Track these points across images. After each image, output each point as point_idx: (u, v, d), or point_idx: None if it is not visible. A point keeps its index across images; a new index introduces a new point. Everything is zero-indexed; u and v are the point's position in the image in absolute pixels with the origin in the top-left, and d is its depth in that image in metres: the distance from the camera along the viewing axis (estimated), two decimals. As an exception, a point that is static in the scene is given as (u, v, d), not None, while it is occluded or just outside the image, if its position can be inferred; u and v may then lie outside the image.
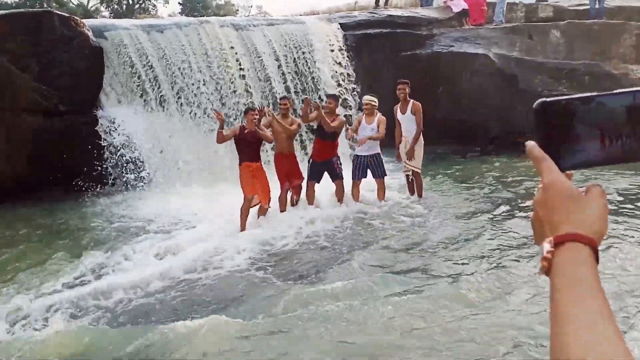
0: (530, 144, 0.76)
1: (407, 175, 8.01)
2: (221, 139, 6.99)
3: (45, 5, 28.91)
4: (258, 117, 7.00)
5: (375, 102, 7.65)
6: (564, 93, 10.93)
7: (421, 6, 14.95)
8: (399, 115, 7.81)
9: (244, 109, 8.03)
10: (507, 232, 6.34)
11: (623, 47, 11.15)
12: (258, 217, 7.21)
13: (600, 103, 0.73)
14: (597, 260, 0.69)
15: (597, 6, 12.74)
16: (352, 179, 7.78)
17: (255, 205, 7.19)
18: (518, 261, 5.39)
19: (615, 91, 0.73)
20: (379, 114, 7.62)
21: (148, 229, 7.36)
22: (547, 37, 11.81)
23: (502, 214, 7.08)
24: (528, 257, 5.47)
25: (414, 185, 7.99)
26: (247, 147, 7.03)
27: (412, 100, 7.71)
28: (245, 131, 7.00)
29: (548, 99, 0.74)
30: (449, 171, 9.86)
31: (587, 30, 11.59)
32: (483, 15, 13.73)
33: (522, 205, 7.44)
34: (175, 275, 5.61)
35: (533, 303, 4.39)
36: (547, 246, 0.71)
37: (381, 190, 7.81)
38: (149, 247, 6.49)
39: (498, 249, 5.83)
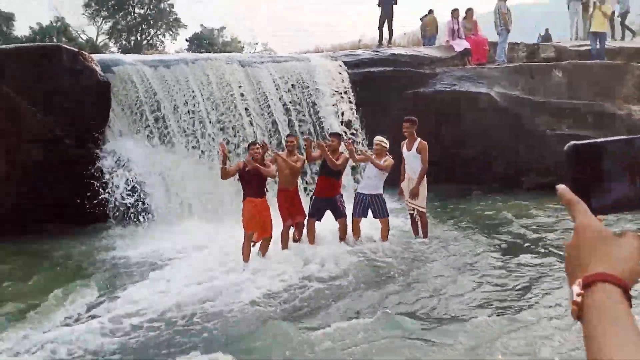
0: (562, 187, 0.77)
1: (412, 215, 7.96)
2: (225, 174, 6.98)
3: (54, 40, 29.48)
4: (261, 151, 7.04)
5: (386, 143, 7.67)
6: (567, 132, 11.00)
7: (424, 45, 15.18)
8: (404, 151, 7.83)
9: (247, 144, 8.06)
10: (513, 274, 6.25)
11: (625, 87, 11.25)
12: (261, 254, 7.13)
13: (630, 145, 0.74)
14: (629, 301, 0.67)
15: (598, 47, 12.92)
16: (352, 216, 7.74)
17: (257, 241, 7.14)
18: (523, 308, 5.30)
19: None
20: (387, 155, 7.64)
21: (148, 264, 7.30)
22: (549, 77, 11.93)
23: (508, 256, 7.00)
24: (532, 302, 5.38)
25: (418, 225, 7.94)
26: (251, 182, 7.00)
27: (419, 139, 7.72)
28: (248, 167, 7.00)
29: (580, 142, 0.77)
30: (453, 210, 9.83)
31: (588, 70, 11.72)
32: (485, 55, 13.93)
33: (526, 246, 7.37)
34: (174, 312, 5.51)
35: (536, 350, 4.28)
36: (576, 289, 0.69)
37: (385, 229, 7.75)
38: (148, 283, 6.41)
39: (502, 292, 5.73)
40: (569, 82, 11.70)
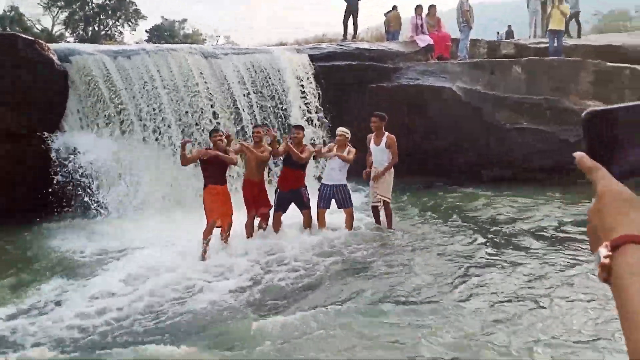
0: (580, 154, 0.75)
1: (375, 206, 8.00)
2: (185, 161, 6.89)
3: (8, 30, 28.36)
4: (225, 140, 7.01)
5: (348, 134, 7.75)
6: (526, 127, 11.27)
7: (387, 40, 15.28)
8: (372, 145, 7.88)
9: (209, 131, 7.90)
10: (473, 259, 6.37)
11: (581, 83, 11.60)
12: (224, 241, 7.05)
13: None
14: None
15: (555, 44, 13.29)
16: (317, 207, 7.74)
17: (218, 227, 7.05)
18: (482, 292, 5.41)
19: None
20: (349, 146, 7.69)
21: (107, 256, 7.10)
22: (509, 72, 12.20)
23: (470, 243, 7.13)
24: (490, 284, 5.49)
25: (379, 215, 8.00)
26: (212, 169, 6.95)
27: (387, 133, 7.79)
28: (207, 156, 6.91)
29: (596, 109, 0.74)
30: (416, 201, 9.94)
31: (547, 66, 12.03)
32: (447, 51, 14.13)
33: (485, 234, 7.52)
34: (135, 305, 5.37)
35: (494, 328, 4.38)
36: (603, 251, 0.67)
37: (349, 219, 7.77)
38: (108, 275, 6.24)
39: (466, 276, 5.83)
40: (528, 78, 11.99)
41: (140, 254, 7.00)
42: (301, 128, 7.98)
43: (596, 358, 3.94)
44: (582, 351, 4.06)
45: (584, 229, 5.35)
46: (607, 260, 0.66)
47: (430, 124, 11.79)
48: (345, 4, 14.89)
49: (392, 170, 7.84)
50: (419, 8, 14.45)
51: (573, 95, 11.50)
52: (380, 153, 7.80)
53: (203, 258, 6.72)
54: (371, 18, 15.71)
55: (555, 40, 13.36)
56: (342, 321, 4.71)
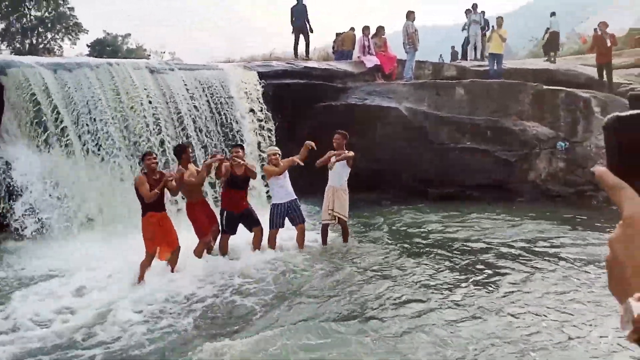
0: (601, 170, 0.63)
1: (326, 225, 7.99)
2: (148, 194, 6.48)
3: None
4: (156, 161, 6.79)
5: (279, 151, 7.83)
6: (468, 146, 11.63)
7: (336, 59, 15.49)
8: (330, 164, 7.89)
9: (142, 155, 7.40)
10: (423, 276, 6.44)
11: (521, 105, 12.11)
12: (172, 269, 6.75)
13: None
14: None
15: (495, 67, 13.87)
16: (271, 228, 7.64)
17: (162, 259, 6.75)
18: (430, 308, 5.47)
19: None
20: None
21: (39, 280, 6.73)
22: (452, 93, 12.59)
23: (416, 262, 7.20)
24: (439, 300, 5.56)
25: (327, 235, 8.00)
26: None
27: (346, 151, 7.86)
28: (151, 177, 6.58)
29: (623, 114, 0.62)
30: (363, 219, 10.00)
31: (488, 88, 12.51)
32: (394, 72, 14.47)
33: (432, 250, 7.64)
34: (72, 331, 5.10)
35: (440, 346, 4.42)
36: (636, 306, 0.52)
37: (301, 236, 7.73)
38: (39, 301, 5.91)
39: (415, 292, 5.88)
40: (470, 99, 12.41)
41: (74, 278, 6.67)
42: (240, 147, 7.90)
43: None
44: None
45: (531, 246, 5.53)
46: None
47: (378, 142, 11.98)
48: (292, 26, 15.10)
49: (347, 189, 7.90)
50: (366, 29, 14.77)
51: (513, 116, 11.98)
52: (342, 169, 7.85)
53: (139, 281, 6.39)
54: (321, 38, 15.96)
55: (495, 63, 13.95)
56: (297, 341, 4.62)
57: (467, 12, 16.81)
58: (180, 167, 7.15)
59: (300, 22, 15.03)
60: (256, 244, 7.60)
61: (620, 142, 0.62)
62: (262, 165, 8.13)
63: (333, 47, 16.64)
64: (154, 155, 6.82)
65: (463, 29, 17.39)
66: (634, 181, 0.60)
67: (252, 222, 7.58)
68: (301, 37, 15.19)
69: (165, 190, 6.82)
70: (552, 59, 16.35)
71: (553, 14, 17.00)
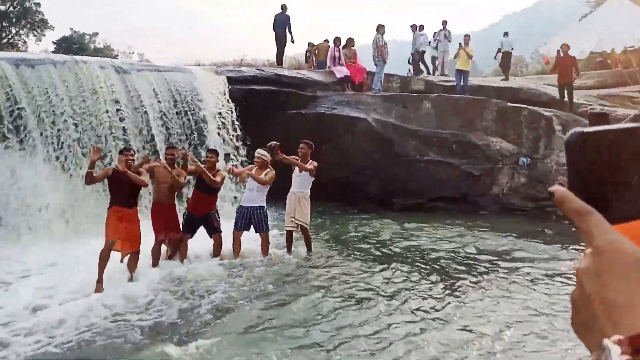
0: (562, 191, 0.53)
1: (289, 231, 7.98)
2: (90, 180, 6.35)
3: None
4: (133, 159, 6.64)
5: (267, 156, 7.67)
6: (435, 159, 11.80)
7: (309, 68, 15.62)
8: (296, 171, 7.89)
9: (119, 149, 7.37)
10: (386, 283, 6.48)
11: (485, 120, 12.39)
12: (130, 272, 6.60)
13: None
14: None
15: (462, 83, 14.18)
16: (234, 229, 7.59)
17: (122, 254, 6.57)
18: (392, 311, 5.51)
19: None
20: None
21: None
22: (419, 107, 12.79)
23: (381, 267, 7.25)
24: (402, 305, 5.61)
25: (292, 242, 8.00)
26: (120, 190, 6.46)
27: (311, 161, 7.88)
28: (118, 173, 6.44)
29: (587, 129, 0.54)
30: (331, 229, 10.03)
31: (454, 103, 12.76)
32: (363, 83, 14.62)
33: (396, 258, 7.71)
34: (16, 334, 4.93)
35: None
36: (615, 350, 0.44)
37: (265, 244, 7.68)
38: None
39: (382, 303, 5.91)
40: (437, 113, 12.63)
41: (29, 281, 6.48)
42: (215, 152, 7.85)
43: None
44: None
45: (488, 257, 5.62)
46: None
47: (345, 152, 12.05)
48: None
49: (308, 196, 7.90)
50: (337, 40, 14.89)
51: (478, 131, 12.24)
52: (303, 179, 7.85)
53: (98, 280, 6.18)
54: (292, 47, 16.08)
55: (462, 79, 14.26)
56: (253, 349, 4.58)
57: (413, 28, 16.92)
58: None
59: (280, 30, 15.19)
60: (215, 251, 7.53)
61: (582, 165, 0.54)
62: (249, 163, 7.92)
63: (306, 56, 16.74)
64: (132, 152, 6.69)
65: (433, 43, 17.70)
66: (600, 204, 0.52)
67: (211, 229, 7.51)
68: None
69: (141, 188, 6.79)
70: (506, 77, 16.73)
71: (506, 34, 17.41)
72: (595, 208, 0.51)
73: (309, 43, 16.89)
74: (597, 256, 0.49)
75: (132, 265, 6.63)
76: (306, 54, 16.81)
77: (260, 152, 7.75)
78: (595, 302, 0.48)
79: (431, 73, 17.16)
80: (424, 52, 16.93)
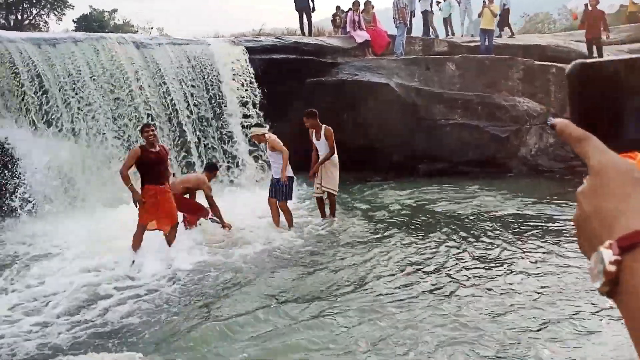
0: (562, 122, 0.57)
1: (319, 197, 8.00)
2: (126, 176, 6.32)
3: None
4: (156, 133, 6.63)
5: (258, 130, 7.79)
6: (459, 122, 11.58)
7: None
8: (314, 139, 7.87)
9: (140, 127, 7.32)
10: (411, 257, 6.45)
11: (511, 80, 12.06)
12: (169, 244, 6.66)
13: None
14: None
15: (486, 43, 13.77)
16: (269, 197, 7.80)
17: (153, 230, 6.61)
18: (424, 295, 5.49)
19: None
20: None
21: (30, 256, 6.68)
22: (443, 69, 12.50)
23: (405, 239, 7.19)
24: (432, 288, 5.59)
25: (324, 207, 8.01)
26: (150, 168, 6.41)
27: (324, 126, 7.80)
28: (149, 150, 6.40)
29: (587, 61, 0.56)
30: (354, 196, 9.99)
31: (479, 64, 12.42)
32: (384, 47, 14.31)
33: (423, 226, 7.65)
34: (64, 310, 5.07)
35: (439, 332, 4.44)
36: (607, 253, 0.48)
37: (284, 213, 7.72)
38: (30, 277, 5.87)
39: (394, 277, 5.89)
40: (461, 75, 12.34)
41: (65, 255, 6.63)
42: (215, 167, 8.30)
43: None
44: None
45: (522, 219, 5.52)
46: (613, 268, 0.47)
47: (367, 119, 11.89)
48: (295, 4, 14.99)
49: (337, 163, 7.86)
50: (355, 4, 14.55)
51: (503, 92, 11.94)
52: (324, 146, 7.83)
53: (132, 259, 6.28)
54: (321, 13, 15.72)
55: (487, 39, 13.84)
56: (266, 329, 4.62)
57: None
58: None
59: (303, 1, 14.90)
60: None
61: (581, 93, 0.57)
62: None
63: (334, 21, 16.37)
64: (152, 127, 6.60)
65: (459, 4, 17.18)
66: (599, 132, 0.55)
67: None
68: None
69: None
70: (500, 34, 16.09)
71: None
72: (595, 135, 0.55)
73: (337, 7, 16.47)
74: (593, 176, 0.54)
75: (172, 237, 6.70)
76: (334, 17, 16.41)
77: (251, 131, 8.00)
78: (592, 217, 0.52)
79: (438, 36, 16.36)
80: (429, 12, 16.34)
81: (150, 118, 9.74)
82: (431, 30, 16.33)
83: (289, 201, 7.73)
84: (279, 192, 7.61)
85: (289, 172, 7.59)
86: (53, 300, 5.27)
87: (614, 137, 0.55)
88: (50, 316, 4.92)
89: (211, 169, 8.15)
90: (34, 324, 4.75)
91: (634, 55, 0.56)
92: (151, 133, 6.47)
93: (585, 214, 0.54)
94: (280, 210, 7.68)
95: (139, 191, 6.37)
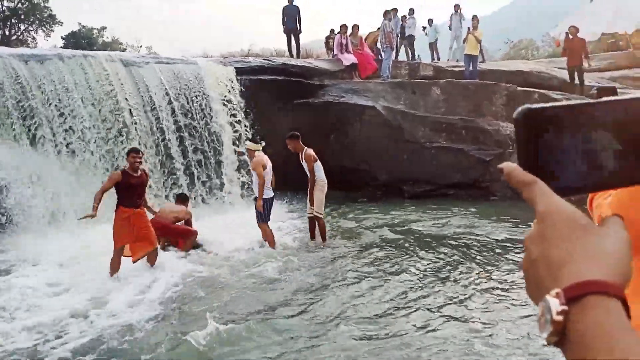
0: (509, 165, 0.57)
1: (310, 218, 8.09)
2: (100, 197, 6.25)
3: None
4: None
5: (248, 147, 7.88)
6: (444, 145, 11.72)
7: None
8: (303, 163, 7.99)
9: (127, 150, 7.12)
10: (400, 280, 6.48)
11: (495, 105, 12.27)
12: (151, 265, 6.65)
13: (594, 115, 0.57)
14: (629, 317, 0.47)
15: (471, 68, 14.03)
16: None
17: (127, 256, 6.51)
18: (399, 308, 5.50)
19: (606, 99, 0.58)
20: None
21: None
22: (428, 93, 12.69)
23: (394, 259, 7.24)
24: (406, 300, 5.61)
25: (314, 228, 8.10)
26: (128, 191, 6.34)
27: (305, 149, 7.89)
28: (131, 175, 6.35)
29: (534, 106, 0.57)
30: (339, 217, 10.02)
31: (463, 89, 12.64)
32: (371, 70, 14.51)
33: (407, 247, 7.70)
34: (40, 328, 5.01)
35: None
36: (554, 302, 0.47)
37: (265, 234, 7.77)
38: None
39: (389, 298, 5.91)
40: (445, 99, 12.53)
41: (39, 274, 6.55)
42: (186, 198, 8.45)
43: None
44: None
45: (501, 243, 5.58)
46: (560, 318, 0.46)
47: (353, 140, 12.02)
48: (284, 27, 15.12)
49: (323, 185, 7.93)
50: (343, 27, 14.77)
51: (487, 116, 12.14)
52: (306, 169, 7.93)
53: (110, 276, 6.30)
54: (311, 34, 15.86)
55: (471, 64, 14.10)
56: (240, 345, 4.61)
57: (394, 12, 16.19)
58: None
59: (291, 22, 15.04)
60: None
61: (529, 140, 0.57)
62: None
63: (327, 43, 16.51)
64: (141, 154, 6.53)
65: (429, 29, 17.60)
66: (545, 176, 0.55)
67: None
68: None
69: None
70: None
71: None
72: (542, 180, 0.55)
73: (331, 30, 16.61)
74: (540, 221, 0.53)
75: (153, 259, 6.67)
76: (327, 40, 16.57)
77: (246, 144, 8.12)
78: (539, 263, 0.52)
79: (419, 60, 16.61)
80: (413, 37, 16.70)
81: (137, 135, 9.74)
82: (408, 53, 16.71)
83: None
84: (256, 214, 7.64)
85: (266, 194, 7.64)
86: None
87: (559, 180, 0.56)
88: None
89: (184, 199, 8.58)
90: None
91: (577, 101, 0.57)
92: (138, 160, 6.43)
93: (532, 260, 0.53)
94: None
95: (113, 212, 6.35)
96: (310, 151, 7.84)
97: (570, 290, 0.47)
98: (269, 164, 7.69)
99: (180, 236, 7.83)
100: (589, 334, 0.45)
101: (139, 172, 6.49)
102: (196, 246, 7.81)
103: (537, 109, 0.56)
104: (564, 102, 0.57)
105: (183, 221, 8.11)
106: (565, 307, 0.46)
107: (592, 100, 0.58)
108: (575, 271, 0.48)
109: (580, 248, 0.50)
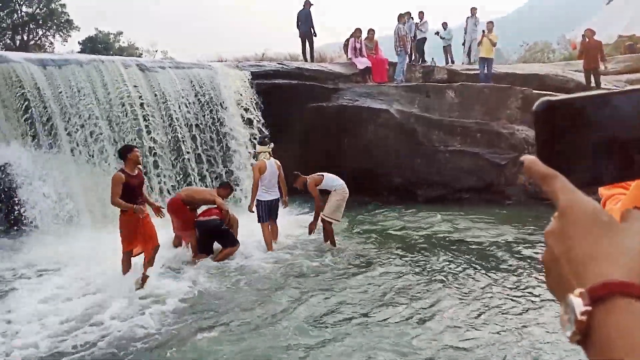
0: (530, 158, 0.56)
1: (322, 221, 8.14)
2: (118, 202, 6.26)
3: None
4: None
5: (258, 149, 8.25)
6: (458, 148, 11.67)
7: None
8: None
9: (122, 148, 6.82)
10: (411, 283, 6.47)
11: (509, 108, 12.19)
12: (144, 269, 6.52)
13: (616, 106, 0.55)
14: None
15: (485, 71, 13.96)
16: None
17: (137, 255, 6.56)
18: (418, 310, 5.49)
19: (630, 88, 0.56)
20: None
21: (18, 279, 6.69)
22: (443, 96, 12.65)
23: (408, 263, 7.23)
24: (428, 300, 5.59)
25: (326, 233, 8.14)
26: (130, 192, 6.30)
27: (306, 180, 8.04)
28: (130, 174, 6.32)
29: (554, 99, 0.55)
30: (356, 220, 10.02)
31: (478, 92, 12.58)
32: (385, 74, 14.50)
33: (420, 250, 7.68)
34: (53, 331, 5.08)
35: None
36: (577, 302, 0.47)
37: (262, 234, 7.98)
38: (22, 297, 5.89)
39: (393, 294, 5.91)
40: (460, 102, 12.47)
41: (55, 276, 6.65)
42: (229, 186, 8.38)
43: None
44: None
45: (513, 247, 5.56)
46: (584, 318, 0.46)
47: (368, 144, 12.01)
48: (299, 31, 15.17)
49: (342, 193, 8.04)
50: (357, 31, 14.79)
51: (502, 119, 12.06)
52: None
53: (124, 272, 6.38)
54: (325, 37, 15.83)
55: (486, 67, 14.03)
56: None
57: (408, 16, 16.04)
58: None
59: (306, 27, 15.09)
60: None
61: (549, 133, 0.55)
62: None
63: (346, 46, 16.45)
64: (136, 149, 6.57)
65: (443, 32, 17.48)
66: (565, 170, 0.54)
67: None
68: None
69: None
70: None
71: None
72: (562, 174, 0.54)
73: (357, 29, 16.44)
74: (561, 216, 0.52)
75: (150, 262, 6.60)
76: (346, 42, 16.50)
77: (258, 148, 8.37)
78: (561, 260, 0.51)
79: (434, 63, 16.51)
80: (424, 40, 16.59)
81: (152, 140, 9.85)
82: (414, 56, 16.55)
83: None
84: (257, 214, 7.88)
85: (264, 196, 7.82)
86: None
87: (581, 175, 0.55)
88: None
89: (225, 187, 8.23)
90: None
91: (600, 91, 0.56)
92: (139, 153, 6.51)
93: (554, 256, 0.52)
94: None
95: (118, 215, 6.39)
96: (311, 179, 7.99)
97: (594, 291, 0.46)
98: (272, 168, 7.84)
99: (183, 223, 7.62)
100: (613, 336, 0.44)
101: (136, 171, 6.47)
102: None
103: (557, 101, 0.55)
104: (585, 93, 0.56)
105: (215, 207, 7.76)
106: (589, 308, 0.46)
107: (614, 90, 0.56)
108: (599, 271, 0.47)
109: (602, 246, 0.49)
